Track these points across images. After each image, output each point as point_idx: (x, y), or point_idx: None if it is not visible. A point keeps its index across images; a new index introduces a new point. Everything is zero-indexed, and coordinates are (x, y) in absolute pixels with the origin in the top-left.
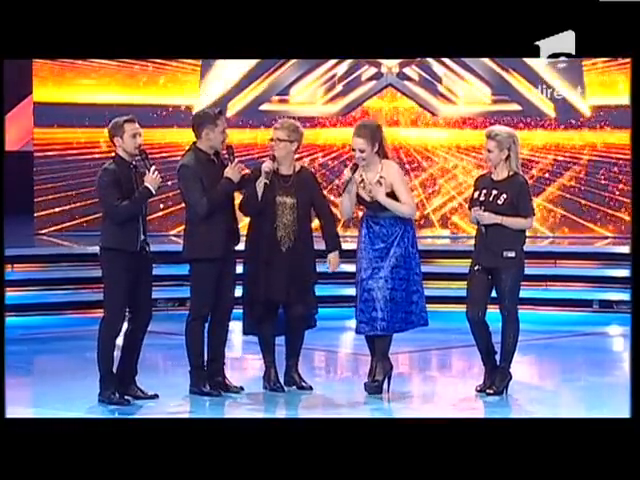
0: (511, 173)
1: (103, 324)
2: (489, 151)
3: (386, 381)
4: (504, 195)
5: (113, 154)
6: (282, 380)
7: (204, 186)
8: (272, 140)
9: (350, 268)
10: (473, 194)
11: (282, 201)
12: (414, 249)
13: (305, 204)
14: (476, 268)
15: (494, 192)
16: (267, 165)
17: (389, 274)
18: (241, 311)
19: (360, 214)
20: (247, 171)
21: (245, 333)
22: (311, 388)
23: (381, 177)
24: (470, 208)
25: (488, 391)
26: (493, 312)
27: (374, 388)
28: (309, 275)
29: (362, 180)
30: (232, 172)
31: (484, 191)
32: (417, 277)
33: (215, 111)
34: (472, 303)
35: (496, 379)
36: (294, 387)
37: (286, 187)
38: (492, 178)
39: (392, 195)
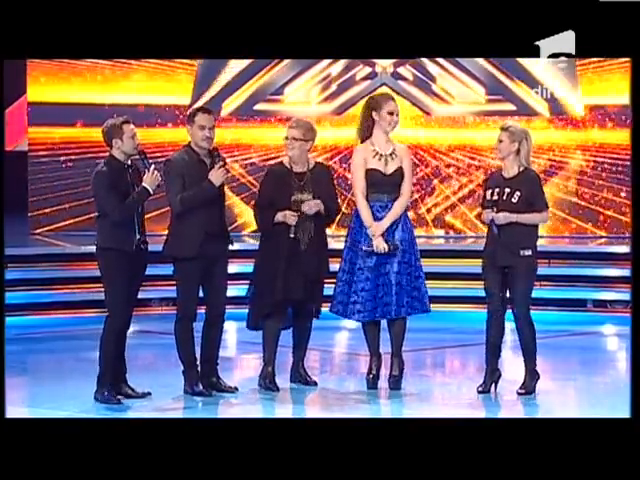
0: (522, 169)
1: (105, 323)
2: (500, 141)
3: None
4: (518, 192)
5: (107, 155)
6: (288, 376)
7: (185, 184)
8: (287, 139)
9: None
10: (485, 193)
11: (298, 199)
12: (413, 234)
13: (321, 200)
14: (489, 266)
15: (507, 190)
16: (292, 220)
17: (399, 259)
18: (236, 311)
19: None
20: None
21: (249, 327)
22: (316, 384)
23: (394, 150)
24: (484, 208)
25: (519, 391)
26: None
27: (395, 383)
28: (323, 272)
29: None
30: (215, 175)
31: (497, 190)
32: (419, 263)
33: (195, 108)
34: (493, 297)
35: (526, 379)
36: (299, 383)
37: (301, 185)
38: (503, 176)
39: (400, 172)
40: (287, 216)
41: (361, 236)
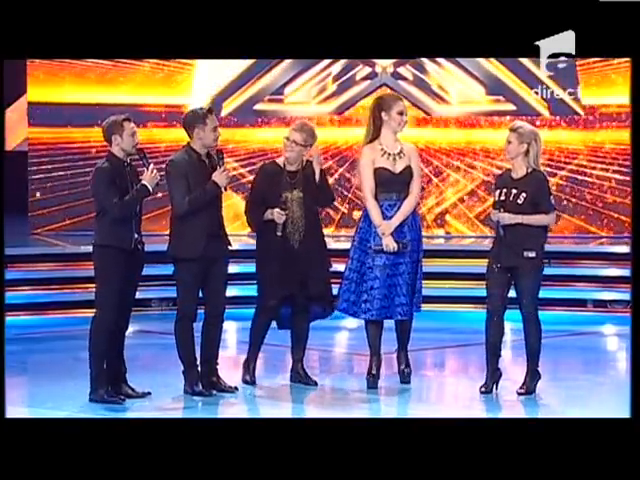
0: (530, 170)
1: (94, 322)
2: (509, 142)
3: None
4: (524, 194)
5: (107, 153)
6: (288, 376)
7: (189, 185)
8: (287, 140)
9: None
10: (494, 193)
11: (289, 197)
12: (421, 233)
13: (312, 198)
14: (495, 267)
15: (514, 191)
16: (279, 217)
17: (409, 259)
18: (236, 311)
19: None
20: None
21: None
22: (315, 384)
23: (402, 149)
24: (493, 208)
25: (520, 391)
26: (513, 312)
27: (407, 376)
28: (322, 269)
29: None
30: (220, 177)
31: (504, 190)
32: (421, 262)
33: (204, 109)
34: (492, 297)
35: (527, 379)
36: (299, 383)
37: (293, 183)
38: (512, 176)
39: (408, 170)
40: (275, 214)
41: (370, 235)
